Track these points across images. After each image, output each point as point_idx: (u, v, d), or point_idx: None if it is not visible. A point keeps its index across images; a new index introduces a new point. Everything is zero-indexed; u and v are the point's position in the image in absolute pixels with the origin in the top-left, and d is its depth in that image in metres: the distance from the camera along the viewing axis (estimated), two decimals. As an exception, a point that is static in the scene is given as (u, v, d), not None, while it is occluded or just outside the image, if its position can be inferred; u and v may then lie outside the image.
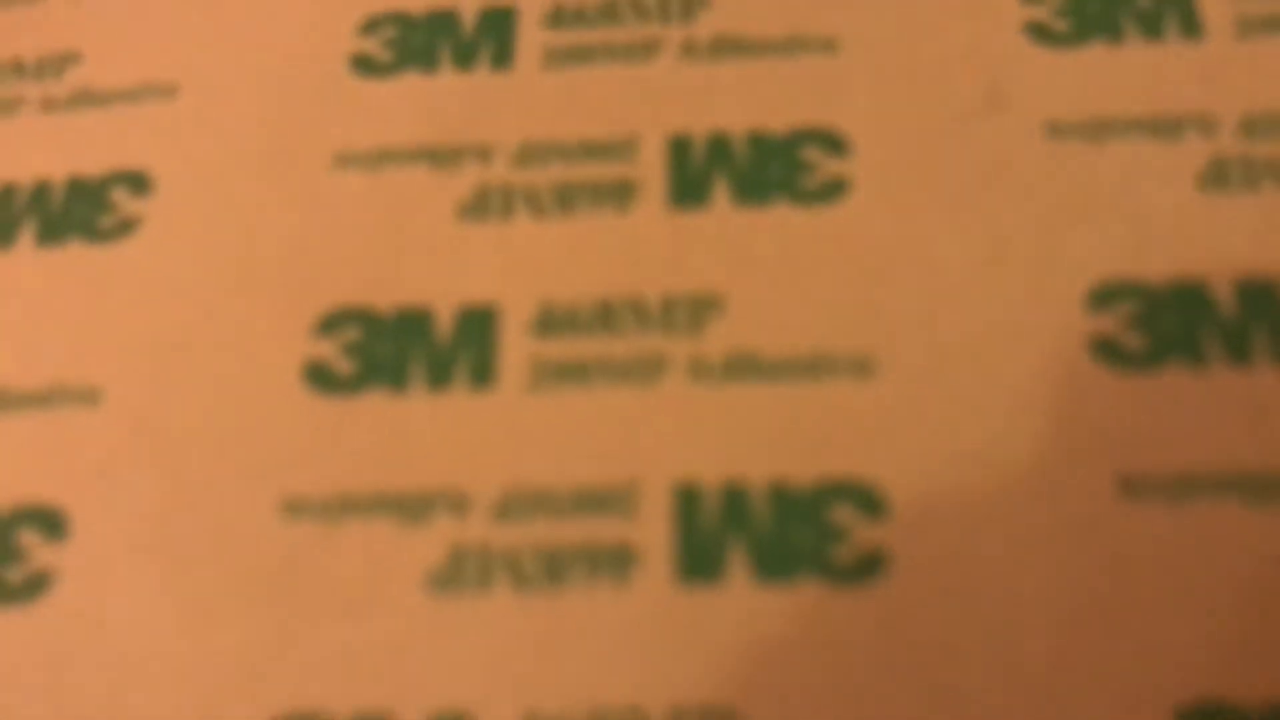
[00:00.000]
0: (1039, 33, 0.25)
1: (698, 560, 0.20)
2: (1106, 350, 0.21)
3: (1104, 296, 0.21)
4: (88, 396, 0.22)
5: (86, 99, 0.26)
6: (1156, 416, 0.20)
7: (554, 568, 0.20)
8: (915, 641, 0.19)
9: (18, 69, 0.27)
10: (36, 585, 0.21)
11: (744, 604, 0.19)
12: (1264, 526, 0.19)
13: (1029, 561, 0.19)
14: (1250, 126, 0.23)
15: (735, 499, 0.20)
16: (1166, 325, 0.21)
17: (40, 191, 0.25)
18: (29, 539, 0.21)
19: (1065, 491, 0.20)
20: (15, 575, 0.21)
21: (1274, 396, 0.20)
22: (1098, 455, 0.20)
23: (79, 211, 0.24)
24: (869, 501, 0.20)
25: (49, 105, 0.26)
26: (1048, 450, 0.20)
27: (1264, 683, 0.18)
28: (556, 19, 0.26)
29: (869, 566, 0.20)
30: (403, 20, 0.26)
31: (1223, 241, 0.22)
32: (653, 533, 0.20)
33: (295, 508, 0.21)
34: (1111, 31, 0.24)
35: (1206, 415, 0.20)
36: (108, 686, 0.20)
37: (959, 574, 0.20)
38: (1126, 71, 0.24)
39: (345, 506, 0.21)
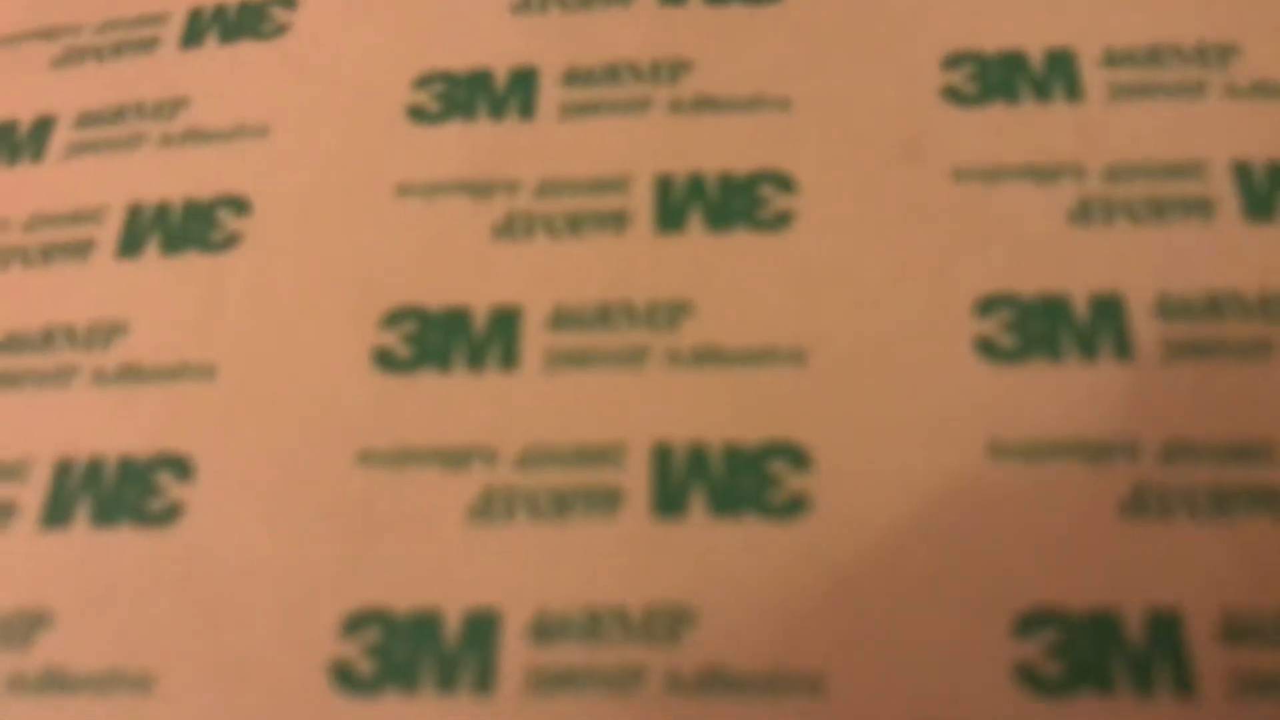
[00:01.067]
0: (952, 94, 0.31)
1: (668, 500, 0.26)
2: (986, 347, 0.27)
3: (986, 306, 0.28)
4: (207, 371, 0.29)
5: (196, 136, 0.33)
6: (1020, 396, 0.27)
7: (560, 505, 0.27)
8: (828, 561, 0.26)
9: (139, 110, 0.34)
10: (171, 514, 0.27)
11: (702, 533, 0.26)
12: (1097, 479, 0.26)
13: (916, 504, 0.26)
14: (1112, 174, 0.29)
15: (698, 455, 0.27)
16: (1034, 329, 0.28)
17: (162, 210, 0.32)
18: (165, 479, 0.28)
19: (948, 452, 0.26)
20: (155, 506, 0.28)
21: (1109, 381, 0.27)
22: (974, 425, 0.27)
23: (194, 227, 0.31)
24: (798, 458, 0.27)
25: (167, 141, 0.33)
26: (937, 420, 0.27)
27: (1087, 590, 0.25)
28: (571, 78, 0.32)
29: (796, 506, 0.26)
30: (448, 78, 0.33)
31: (1083, 264, 0.28)
32: (635, 480, 0.27)
33: (367, 458, 0.27)
34: (1010, 94, 0.31)
35: (1059, 395, 0.27)
36: (224, 590, 0.27)
37: (864, 513, 0.26)
38: (1019, 128, 0.30)
39: (404, 457, 0.27)
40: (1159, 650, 0.24)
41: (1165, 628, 0.24)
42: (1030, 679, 0.24)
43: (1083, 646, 0.24)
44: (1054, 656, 0.24)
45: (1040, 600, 0.25)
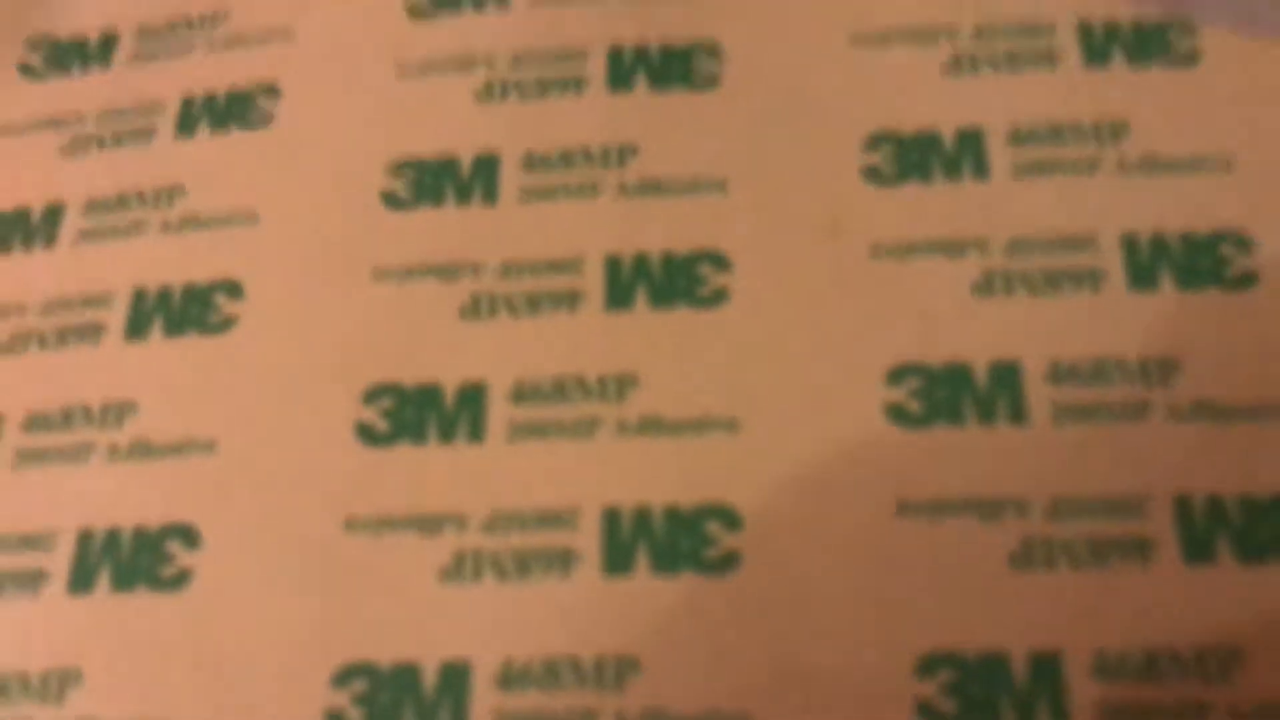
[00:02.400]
0: (873, 174, 0.34)
1: (617, 560, 0.30)
2: (896, 413, 0.31)
3: (897, 375, 0.31)
4: (208, 446, 0.33)
5: (193, 223, 0.36)
6: (925, 459, 0.30)
7: (522, 565, 0.30)
8: (756, 611, 0.29)
9: (140, 198, 0.37)
10: (181, 579, 0.31)
11: (646, 589, 0.30)
12: (991, 534, 0.29)
13: (834, 559, 0.30)
14: (1013, 248, 0.33)
15: (643, 518, 0.30)
16: (939, 396, 0.31)
17: (164, 294, 0.35)
18: (174, 547, 0.32)
19: (860, 511, 0.30)
20: (167, 572, 0.31)
21: (1004, 444, 0.30)
22: (884, 485, 0.30)
23: (194, 310, 0.35)
24: (730, 519, 0.30)
25: (166, 228, 0.36)
26: (852, 482, 0.30)
27: (980, 635, 0.28)
28: (529, 163, 0.36)
29: (728, 563, 0.30)
30: (419, 165, 0.36)
31: (984, 334, 0.32)
32: (588, 541, 0.30)
33: (352, 525, 0.31)
34: (924, 174, 0.34)
35: (959, 458, 0.30)
36: (231, 647, 0.30)
37: (788, 568, 0.30)
38: (931, 205, 0.34)
39: (384, 524, 0.31)
40: (1041, 688, 0.28)
41: (1047, 667, 0.28)
42: (930, 715, 0.28)
43: (975, 685, 0.28)
44: (950, 694, 0.28)
45: (939, 644, 0.28)
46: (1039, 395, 0.31)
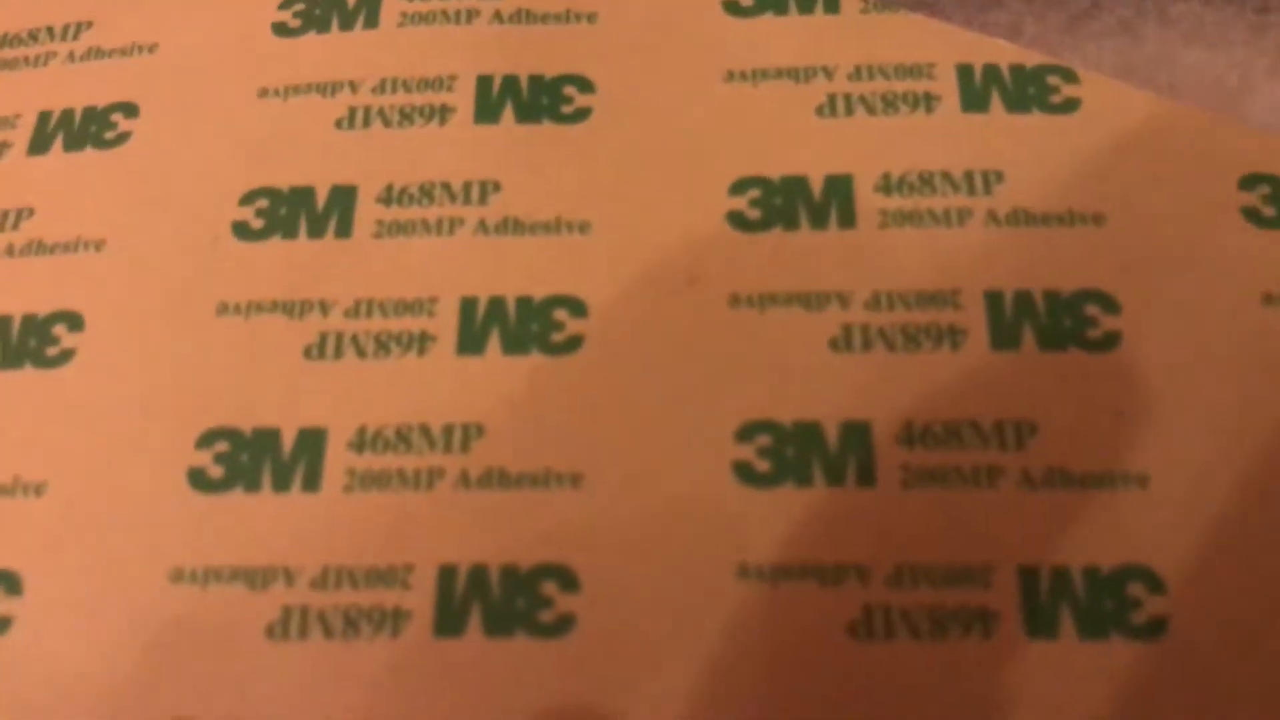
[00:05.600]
0: (737, 220, 0.33)
1: (448, 621, 0.29)
2: (744, 472, 0.30)
3: (747, 431, 0.31)
4: (37, 488, 0.31)
5: (38, 248, 0.35)
6: (769, 519, 0.30)
7: (350, 623, 0.29)
8: (592, 674, 0.28)
9: (-14, 219, 0.36)
10: (1, 627, 0.30)
11: (477, 653, 0.29)
12: (831, 600, 0.29)
13: (669, 624, 0.29)
14: (875, 302, 0.32)
15: (478, 578, 0.29)
16: (788, 455, 0.30)
17: (2, 324, 0.34)
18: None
19: (702, 572, 0.29)
20: None
21: (850, 507, 0.30)
22: (727, 547, 0.29)
23: (30, 344, 0.33)
24: (568, 579, 0.29)
25: (10, 252, 0.35)
26: (693, 542, 0.29)
27: (811, 711, 0.28)
28: (387, 197, 0.34)
29: (564, 625, 0.29)
30: (273, 194, 0.35)
31: (837, 392, 0.31)
32: (420, 601, 0.29)
33: (177, 576, 0.30)
34: (789, 221, 0.33)
35: (804, 520, 0.30)
36: (46, 698, 0.29)
37: (627, 630, 0.29)
38: (794, 254, 0.33)
39: (211, 576, 0.30)
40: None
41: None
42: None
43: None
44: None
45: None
46: (890, 457, 0.30)
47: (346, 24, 0.37)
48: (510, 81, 0.36)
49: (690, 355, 0.32)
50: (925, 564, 0.29)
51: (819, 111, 0.35)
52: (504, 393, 0.31)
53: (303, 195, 0.35)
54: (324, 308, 0.33)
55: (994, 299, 0.32)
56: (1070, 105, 0.34)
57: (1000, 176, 0.33)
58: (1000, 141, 0.34)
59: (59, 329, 0.33)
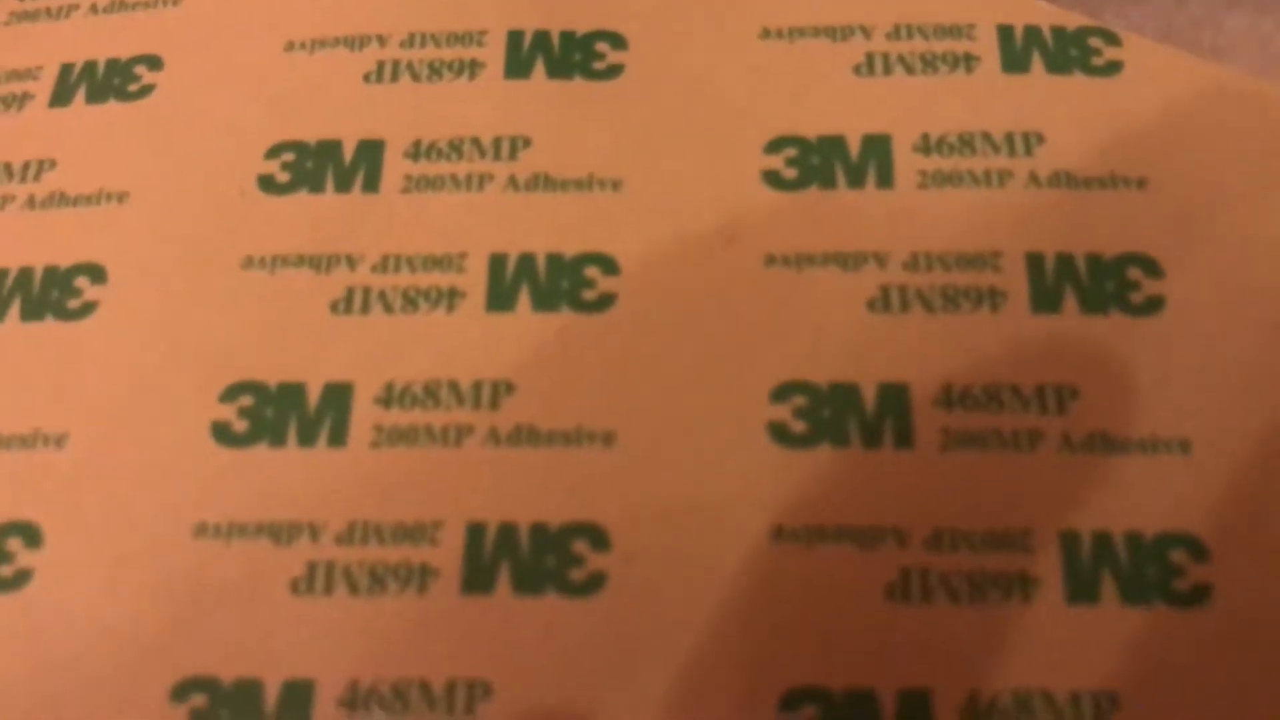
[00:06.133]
0: (773, 178, 0.33)
1: (477, 578, 0.28)
2: (779, 432, 0.30)
3: (782, 392, 0.30)
4: (58, 440, 0.31)
5: (61, 200, 0.34)
6: (805, 481, 0.29)
7: (377, 580, 0.29)
8: (623, 633, 0.28)
9: (7, 171, 0.35)
10: (21, 579, 0.29)
11: (506, 610, 0.28)
12: (868, 563, 0.28)
13: (699, 586, 0.28)
14: (913, 263, 0.31)
15: (508, 535, 0.29)
16: (824, 416, 0.30)
17: (24, 276, 0.33)
18: (14, 546, 0.30)
19: (735, 533, 0.29)
20: (5, 571, 0.30)
21: (888, 469, 0.29)
22: (761, 509, 0.29)
23: (52, 295, 0.33)
24: (599, 538, 0.29)
25: (31, 204, 0.34)
26: (727, 503, 0.29)
27: (849, 672, 0.27)
28: (416, 151, 0.34)
29: (594, 584, 0.28)
30: (299, 147, 0.34)
31: (875, 354, 0.30)
32: (448, 558, 0.29)
33: (201, 530, 0.29)
34: (826, 180, 0.33)
35: (840, 482, 0.29)
36: (67, 650, 0.29)
37: (659, 590, 0.28)
38: (831, 214, 0.32)
39: (235, 531, 0.29)
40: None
41: (916, 707, 0.27)
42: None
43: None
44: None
45: (805, 681, 0.27)
46: (928, 420, 0.29)
47: (375, -23, 0.37)
48: (541, 37, 0.35)
49: (725, 315, 0.31)
50: (964, 527, 0.28)
51: (857, 70, 0.34)
52: (534, 350, 0.31)
53: (330, 149, 0.34)
54: (351, 262, 0.32)
55: (1035, 261, 0.31)
56: (1113, 68, 0.34)
57: (1041, 138, 0.33)
58: (1041, 103, 0.33)
59: (81, 281, 0.33)
